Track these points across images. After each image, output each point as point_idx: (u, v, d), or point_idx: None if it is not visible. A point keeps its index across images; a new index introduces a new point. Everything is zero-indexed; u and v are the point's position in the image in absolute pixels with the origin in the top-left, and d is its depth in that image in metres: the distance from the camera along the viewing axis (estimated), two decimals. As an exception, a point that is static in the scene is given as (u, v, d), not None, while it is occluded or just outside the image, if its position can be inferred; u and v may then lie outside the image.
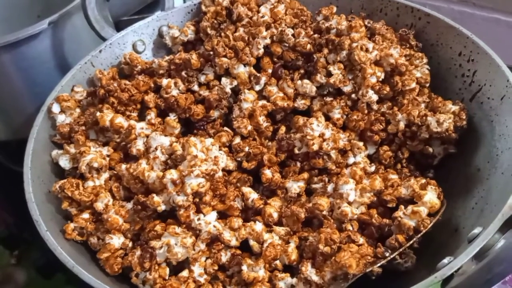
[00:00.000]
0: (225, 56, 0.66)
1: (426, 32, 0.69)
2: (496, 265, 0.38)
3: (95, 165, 0.60)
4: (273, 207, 0.57)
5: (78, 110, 0.68)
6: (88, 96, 0.69)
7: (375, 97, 0.64)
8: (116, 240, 0.56)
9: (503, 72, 0.58)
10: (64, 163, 0.62)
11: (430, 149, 0.62)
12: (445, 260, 0.44)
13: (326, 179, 0.59)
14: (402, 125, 0.62)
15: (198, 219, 0.54)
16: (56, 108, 0.66)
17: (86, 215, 0.58)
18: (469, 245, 0.43)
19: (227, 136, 0.64)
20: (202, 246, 0.54)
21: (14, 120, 0.84)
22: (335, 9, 0.70)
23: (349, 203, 0.55)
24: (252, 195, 0.58)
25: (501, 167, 0.53)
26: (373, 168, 0.62)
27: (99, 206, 0.57)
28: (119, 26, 0.78)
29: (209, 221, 0.54)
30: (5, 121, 0.85)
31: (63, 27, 0.77)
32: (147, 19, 0.76)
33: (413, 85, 0.64)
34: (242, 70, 0.67)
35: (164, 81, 0.67)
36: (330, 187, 0.57)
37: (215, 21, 0.71)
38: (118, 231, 0.56)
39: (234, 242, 0.55)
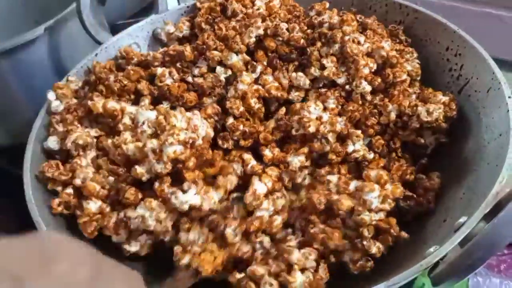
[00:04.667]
0: (215, 49, 0.67)
1: (415, 28, 0.70)
2: (475, 251, 0.39)
3: (80, 142, 0.61)
4: (269, 177, 0.58)
5: (74, 100, 0.68)
6: (83, 85, 0.70)
7: (368, 88, 0.65)
8: (93, 205, 0.58)
9: (488, 65, 0.59)
10: (53, 144, 0.63)
11: (422, 140, 0.63)
12: (431, 249, 0.45)
13: (344, 172, 0.60)
14: (393, 115, 0.63)
15: (176, 197, 0.55)
16: (51, 96, 0.67)
17: (69, 190, 0.60)
18: (454, 234, 0.44)
19: (212, 109, 0.65)
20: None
21: (13, 125, 0.86)
22: (327, 5, 0.71)
23: (370, 210, 0.54)
24: (252, 161, 0.59)
25: (487, 158, 0.54)
26: (371, 155, 0.62)
27: (77, 182, 0.59)
28: (115, 30, 0.79)
29: (185, 200, 0.55)
30: (4, 126, 0.87)
31: (60, 32, 0.78)
32: (141, 22, 0.77)
33: (404, 76, 0.65)
34: (235, 60, 0.67)
35: (159, 70, 0.68)
36: (352, 186, 0.56)
37: (210, 17, 0.72)
38: (95, 197, 0.58)
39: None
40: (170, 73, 0.68)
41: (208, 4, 0.73)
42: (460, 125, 0.62)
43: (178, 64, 0.69)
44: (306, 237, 0.55)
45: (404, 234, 0.54)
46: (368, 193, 0.53)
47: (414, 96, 0.64)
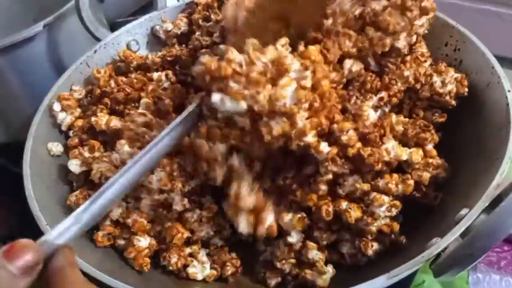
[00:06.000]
0: (201, 47, 0.68)
1: (414, 23, 0.70)
2: (476, 241, 0.39)
3: (109, 174, 0.59)
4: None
5: (78, 109, 0.69)
6: (87, 94, 0.70)
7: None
8: (144, 242, 0.58)
9: (487, 59, 0.59)
10: (75, 167, 0.62)
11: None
12: (433, 241, 0.45)
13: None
14: (411, 80, 0.60)
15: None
16: (57, 107, 0.67)
17: (108, 222, 0.60)
18: (456, 226, 0.44)
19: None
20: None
21: (12, 122, 0.86)
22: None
23: (376, 219, 0.54)
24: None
25: (488, 151, 0.54)
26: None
27: (114, 216, 0.59)
28: (114, 28, 0.79)
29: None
30: (3, 123, 0.87)
31: (58, 29, 0.78)
32: (140, 19, 0.78)
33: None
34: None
35: (155, 75, 0.68)
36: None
37: (207, 13, 0.72)
38: (144, 232, 0.59)
39: None
40: (166, 75, 0.68)
41: (205, 1, 0.73)
42: (460, 120, 0.62)
43: (176, 67, 0.69)
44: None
45: (402, 238, 0.54)
46: (378, 208, 0.53)
47: (427, 65, 0.62)
